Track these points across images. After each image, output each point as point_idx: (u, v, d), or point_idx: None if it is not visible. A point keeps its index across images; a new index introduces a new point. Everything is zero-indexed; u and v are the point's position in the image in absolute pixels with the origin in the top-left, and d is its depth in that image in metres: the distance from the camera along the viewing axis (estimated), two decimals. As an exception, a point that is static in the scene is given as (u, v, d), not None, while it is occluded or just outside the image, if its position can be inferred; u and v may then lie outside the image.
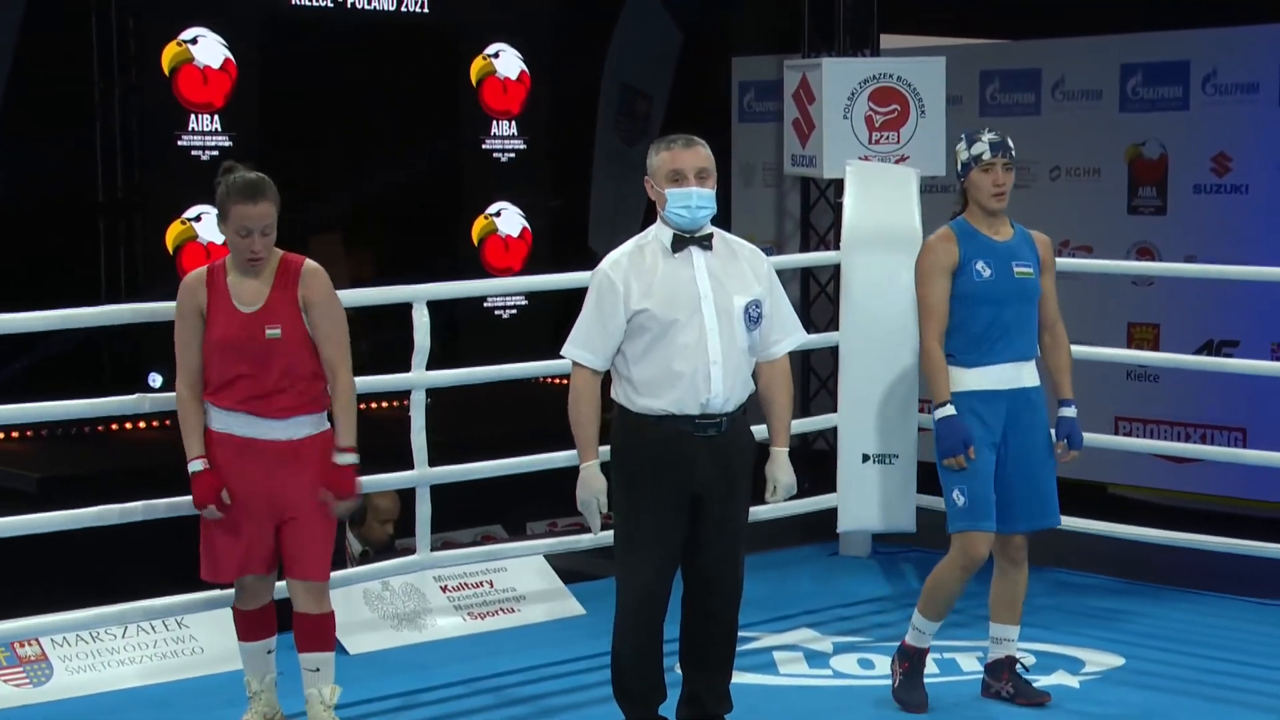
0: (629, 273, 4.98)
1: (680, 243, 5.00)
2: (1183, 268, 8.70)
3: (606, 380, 5.10)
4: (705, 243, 5.02)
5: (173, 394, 5.42)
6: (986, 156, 5.42)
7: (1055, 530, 7.30)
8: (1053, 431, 5.59)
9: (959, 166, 5.50)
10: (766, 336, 5.09)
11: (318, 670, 5.24)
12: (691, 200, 4.96)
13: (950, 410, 5.38)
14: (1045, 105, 10.01)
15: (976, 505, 5.44)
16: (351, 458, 5.18)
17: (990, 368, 5.44)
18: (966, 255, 5.43)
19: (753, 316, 5.01)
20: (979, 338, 5.43)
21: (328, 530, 5.25)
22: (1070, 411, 5.56)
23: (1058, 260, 9.27)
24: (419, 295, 6.37)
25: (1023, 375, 5.49)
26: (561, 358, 5.12)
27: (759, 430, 5.16)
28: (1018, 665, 5.72)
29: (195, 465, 5.16)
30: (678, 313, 4.93)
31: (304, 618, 5.23)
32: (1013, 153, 5.47)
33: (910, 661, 5.66)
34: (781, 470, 5.12)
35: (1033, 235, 5.60)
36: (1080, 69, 9.87)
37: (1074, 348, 8.33)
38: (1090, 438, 7.61)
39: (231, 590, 5.43)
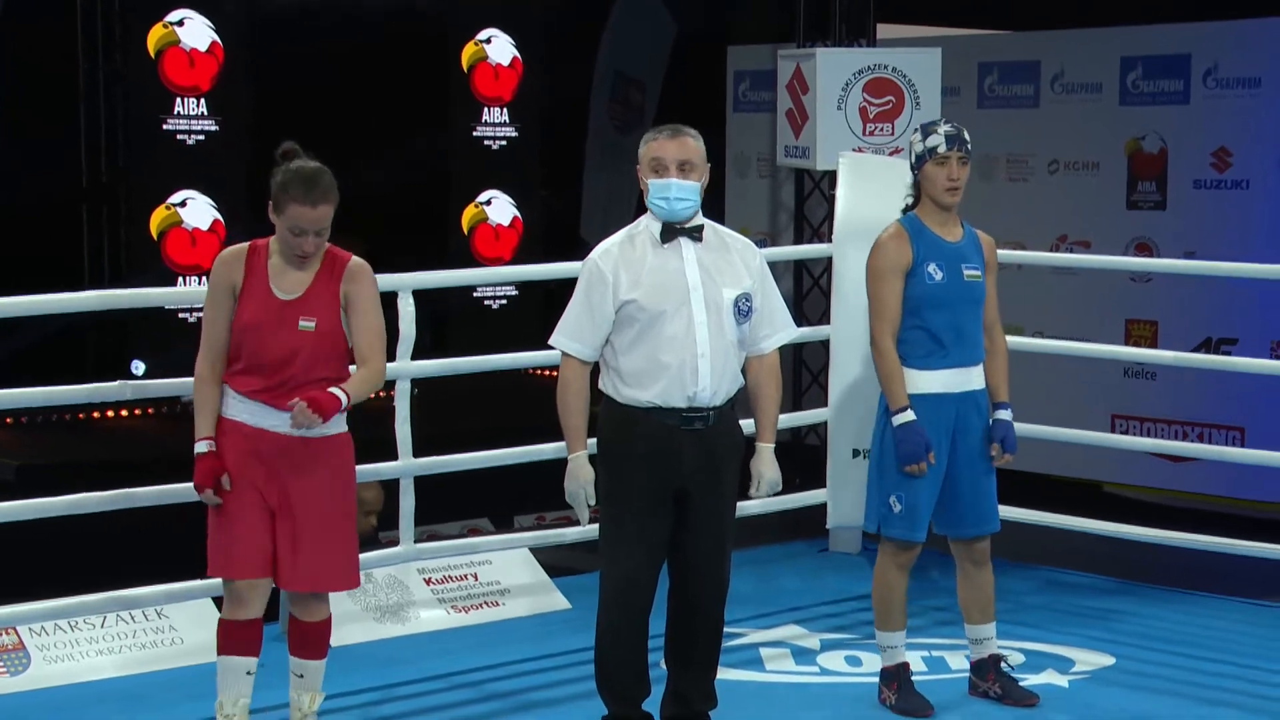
0: (619, 262, 5.02)
1: (670, 233, 5.04)
2: (1182, 264, 8.72)
3: (596, 371, 5.15)
4: (695, 234, 5.06)
5: (155, 381, 5.46)
6: (942, 149, 5.43)
7: (1048, 529, 7.41)
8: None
9: (913, 159, 5.50)
10: (756, 331, 5.13)
11: (302, 676, 5.19)
12: (670, 192, 5.00)
13: (910, 415, 5.40)
14: (1044, 98, 10.04)
15: (913, 514, 5.48)
16: (343, 394, 4.93)
17: (940, 371, 5.48)
18: (919, 256, 5.44)
19: (743, 310, 5.05)
20: (928, 341, 5.45)
21: (352, 533, 5.11)
22: (1006, 415, 5.59)
23: (1054, 255, 9.43)
24: (403, 284, 6.41)
25: (971, 378, 5.53)
26: (550, 348, 5.17)
27: (746, 425, 5.21)
28: (1003, 664, 5.77)
29: (201, 446, 4.99)
30: (665, 304, 4.97)
31: (302, 624, 5.15)
32: (968, 146, 5.48)
33: (896, 679, 5.70)
34: (766, 465, 5.16)
35: (979, 235, 5.61)
36: (1080, 61, 9.90)
37: (1070, 344, 8.45)
38: (1086, 435, 7.73)
39: (211, 581, 5.40)
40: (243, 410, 5.00)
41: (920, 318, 5.44)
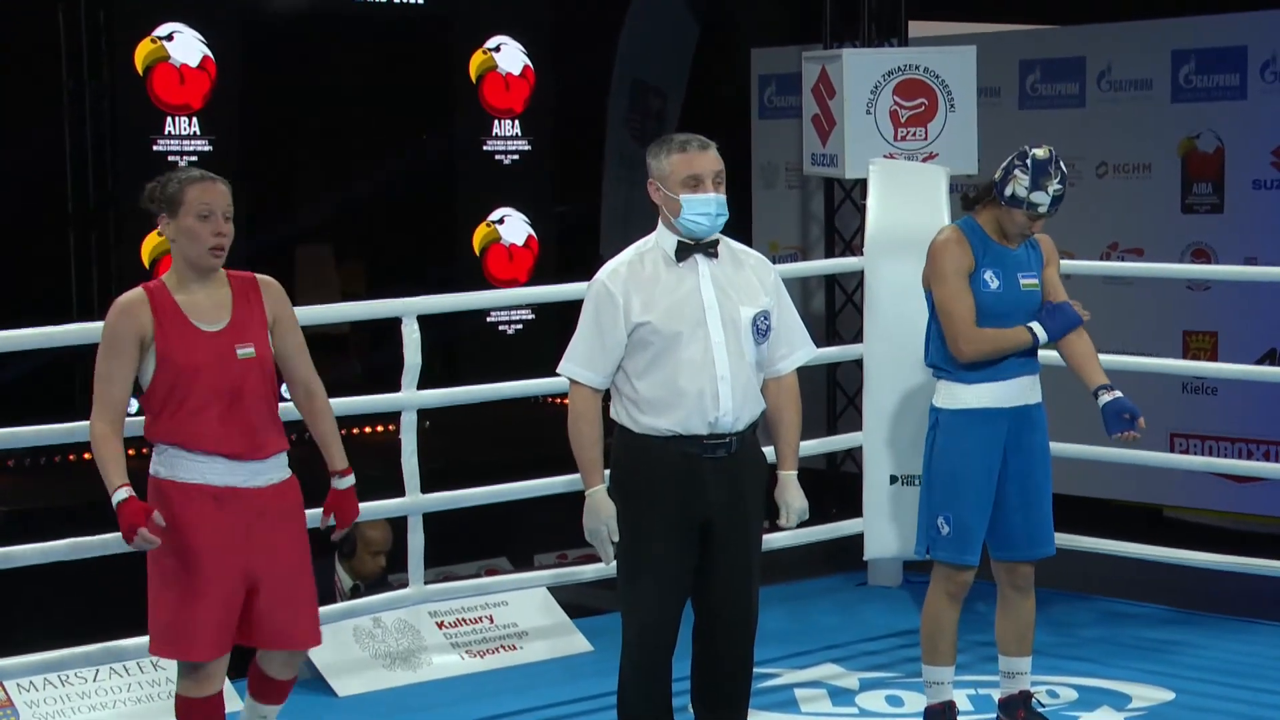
0: (628, 283, 5.03)
1: (684, 251, 5.06)
2: (1242, 271, 8.75)
3: (606, 399, 5.17)
4: (710, 250, 5.08)
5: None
6: (1042, 210, 5.47)
7: (1104, 556, 7.42)
8: (1057, 448, 5.62)
9: (1008, 191, 5.47)
10: (774, 351, 5.15)
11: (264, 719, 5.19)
12: (712, 207, 5.00)
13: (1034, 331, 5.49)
14: (1091, 96, 10.07)
15: (963, 536, 5.50)
16: (351, 480, 5.10)
17: (992, 384, 5.50)
18: (978, 261, 5.49)
19: (761, 329, 5.08)
20: None
21: (313, 586, 5.08)
22: (1114, 393, 5.53)
23: (1105, 265, 9.42)
24: (409, 309, 6.45)
25: (1026, 392, 5.55)
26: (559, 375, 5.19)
27: (766, 453, 5.22)
28: (1033, 700, 5.76)
29: (121, 494, 4.77)
30: (681, 326, 4.99)
31: (280, 682, 5.09)
32: (1058, 209, 5.49)
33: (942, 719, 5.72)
34: (793, 494, 5.18)
35: (1036, 236, 5.64)
36: (1128, 56, 9.92)
37: (1125, 358, 8.43)
38: (1144, 456, 7.73)
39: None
40: (206, 470, 4.86)
41: None
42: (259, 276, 5.04)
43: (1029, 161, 5.45)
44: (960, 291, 5.47)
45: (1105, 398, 5.55)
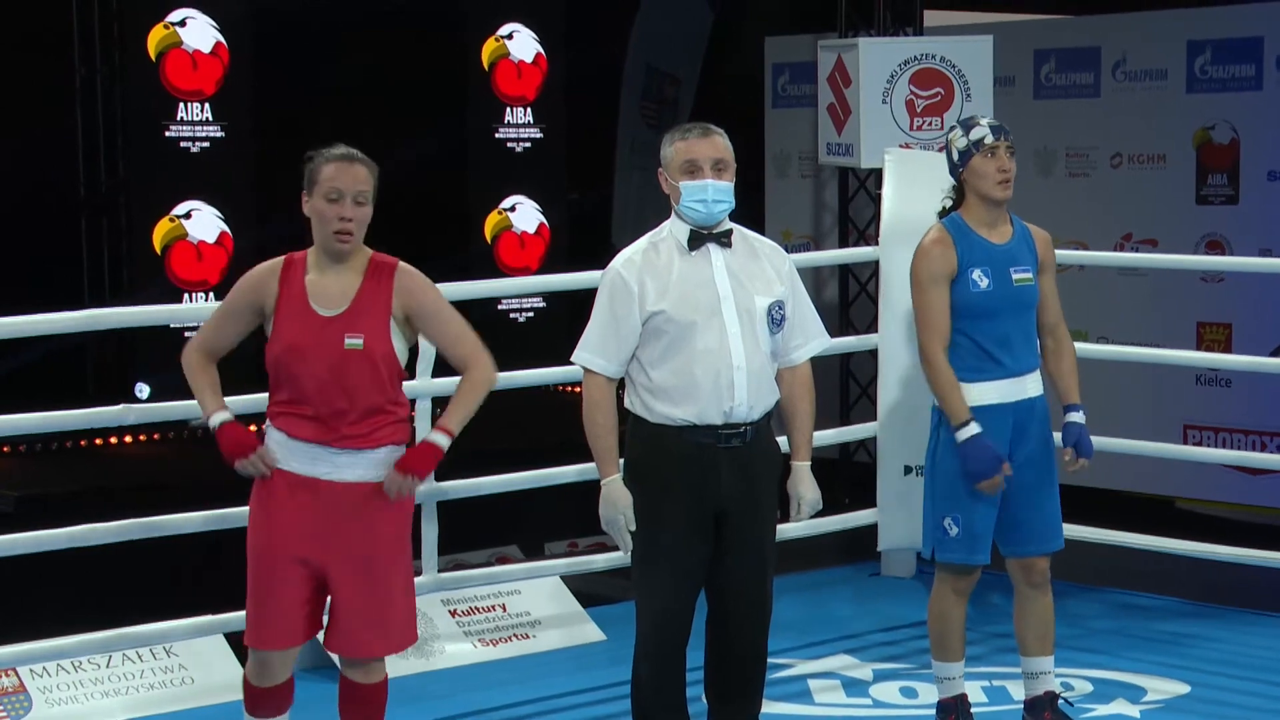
0: (643, 271, 5.05)
1: (697, 239, 5.07)
2: (1257, 262, 8.73)
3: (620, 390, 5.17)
4: (724, 239, 5.08)
5: (160, 405, 5.39)
6: (989, 140, 5.43)
7: (1116, 548, 7.41)
8: (1058, 439, 5.61)
9: (955, 156, 5.49)
10: (788, 341, 5.16)
11: None
12: (708, 194, 5.03)
13: (974, 429, 5.37)
14: (1105, 86, 10.04)
15: (972, 537, 5.47)
16: (444, 439, 4.87)
17: (995, 382, 5.48)
18: (964, 262, 5.43)
19: (776, 318, 5.08)
20: (978, 351, 5.45)
21: (399, 596, 4.89)
22: (1077, 417, 5.58)
23: (1120, 255, 9.42)
24: (424, 297, 6.44)
25: (1027, 386, 5.52)
26: (574, 364, 5.19)
27: (779, 442, 5.22)
28: (1060, 700, 5.72)
29: (217, 418, 4.78)
30: (696, 315, 5.00)
31: (360, 687, 4.91)
32: (1012, 136, 5.49)
33: (954, 713, 5.70)
34: (805, 486, 5.18)
35: (1031, 231, 5.60)
36: (1143, 46, 9.90)
37: (1139, 350, 8.45)
38: (1158, 448, 7.73)
39: (222, 617, 5.41)
40: (289, 456, 4.80)
41: (965, 327, 5.45)
42: (400, 265, 4.89)
43: (954, 124, 5.62)
44: (932, 302, 5.43)
45: (1074, 417, 5.57)
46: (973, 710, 5.73)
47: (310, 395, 4.76)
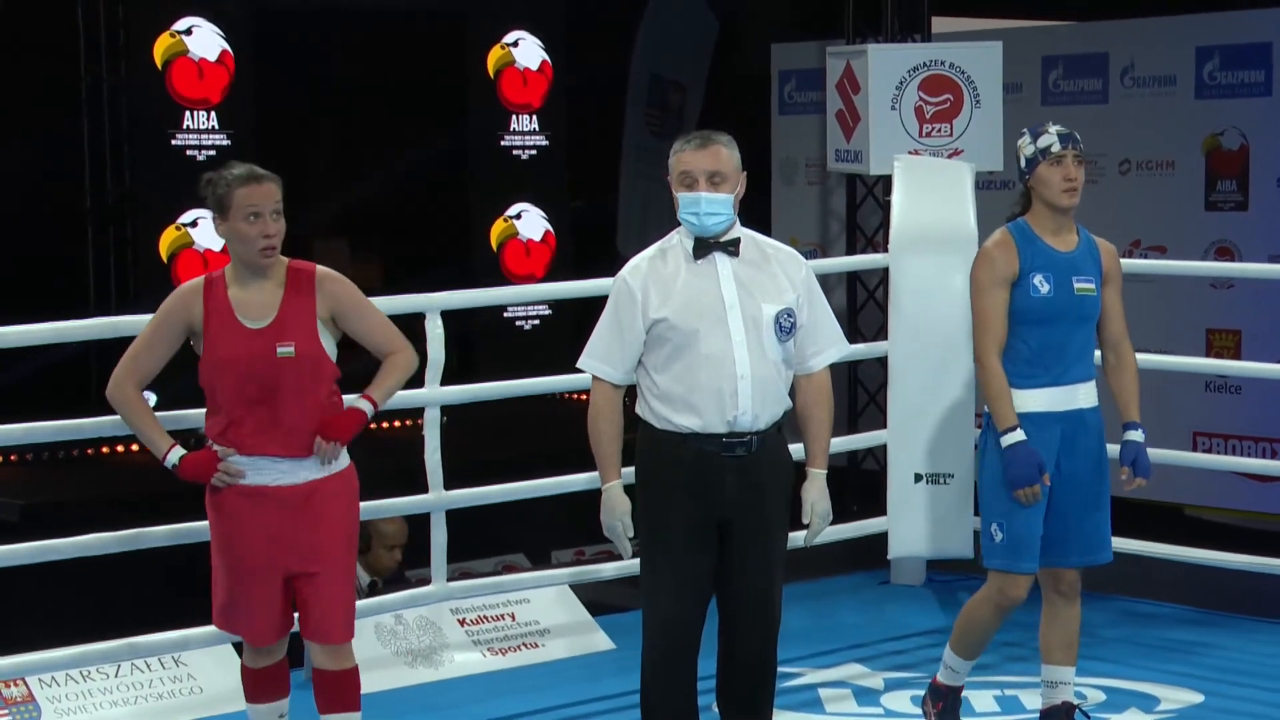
0: (648, 279, 5.03)
1: (703, 248, 5.04)
2: (1267, 268, 8.71)
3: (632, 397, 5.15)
4: (731, 248, 5.05)
5: (166, 413, 5.38)
6: (1056, 148, 5.40)
7: (1128, 556, 7.37)
8: (1116, 455, 5.57)
9: (1022, 163, 5.47)
10: (804, 348, 5.12)
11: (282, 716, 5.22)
12: (700, 206, 4.99)
13: (1020, 435, 5.33)
14: (1114, 93, 10.04)
15: (1017, 544, 5.41)
16: (368, 406, 5.05)
17: (1047, 390, 5.44)
18: (1026, 266, 5.40)
19: (784, 327, 5.04)
20: (1032, 357, 5.40)
21: (350, 585, 5.15)
22: (1137, 435, 5.53)
23: (1127, 261, 9.37)
24: (433, 305, 6.43)
25: (1078, 396, 5.46)
26: (583, 371, 5.17)
27: (796, 450, 5.19)
28: (1076, 712, 5.65)
29: (174, 455, 5.01)
30: (699, 322, 4.97)
31: (324, 674, 5.11)
32: (1082, 145, 5.48)
33: (944, 700, 5.68)
34: (817, 495, 5.13)
35: (1098, 243, 5.57)
36: (1152, 52, 9.90)
37: (1148, 356, 8.35)
38: (1167, 454, 7.68)
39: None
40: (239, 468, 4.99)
41: (1023, 333, 5.41)
42: (318, 269, 5.06)
43: (1023, 130, 5.53)
44: (991, 306, 5.41)
45: (1132, 435, 5.53)
46: (981, 719, 5.70)
47: (248, 407, 4.94)
